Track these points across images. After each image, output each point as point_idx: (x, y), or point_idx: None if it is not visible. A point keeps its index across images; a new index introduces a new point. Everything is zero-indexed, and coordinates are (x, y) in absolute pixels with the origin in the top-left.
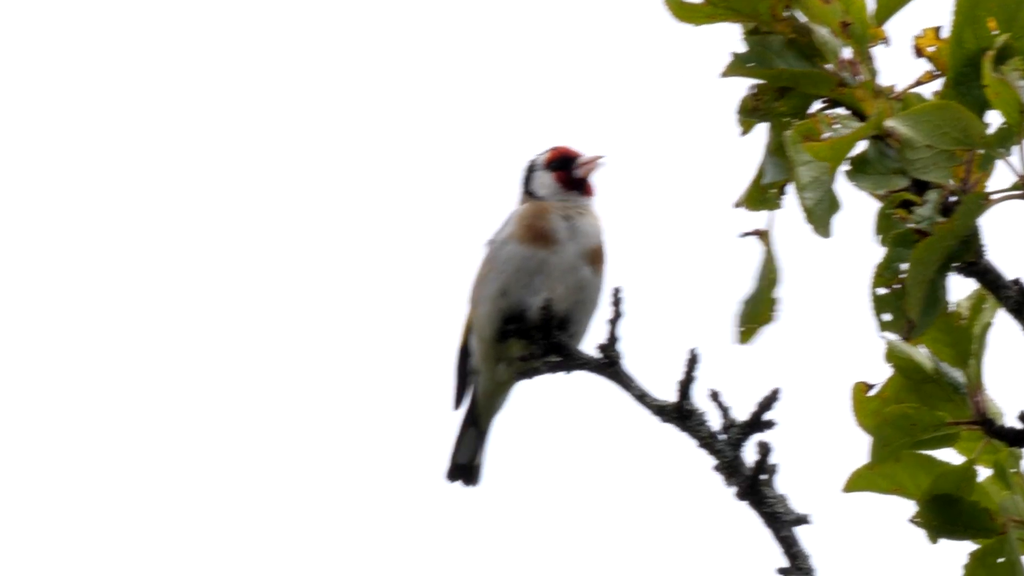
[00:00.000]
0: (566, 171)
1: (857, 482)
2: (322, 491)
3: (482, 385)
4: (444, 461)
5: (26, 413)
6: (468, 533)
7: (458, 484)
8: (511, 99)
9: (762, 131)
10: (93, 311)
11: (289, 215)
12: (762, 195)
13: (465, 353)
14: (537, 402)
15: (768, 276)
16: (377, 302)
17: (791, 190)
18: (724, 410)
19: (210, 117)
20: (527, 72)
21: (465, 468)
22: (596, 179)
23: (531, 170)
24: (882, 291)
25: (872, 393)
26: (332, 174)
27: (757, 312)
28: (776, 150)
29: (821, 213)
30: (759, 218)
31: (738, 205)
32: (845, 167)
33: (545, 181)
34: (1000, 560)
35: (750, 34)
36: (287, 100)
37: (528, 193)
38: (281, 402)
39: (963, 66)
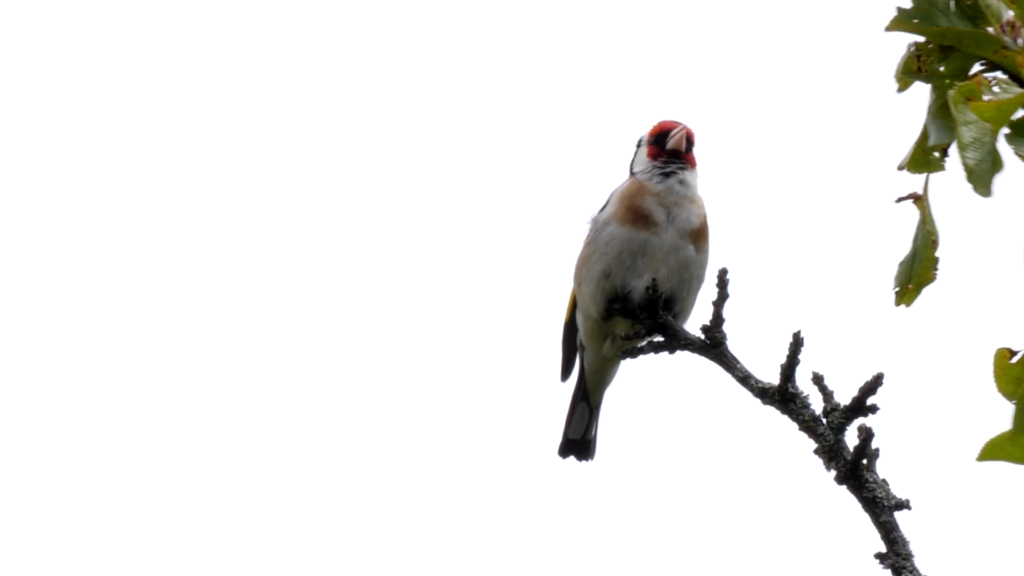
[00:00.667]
0: (660, 145)
1: (993, 451)
2: (430, 467)
3: (589, 361)
4: (557, 436)
5: (26, 413)
6: (580, 507)
7: (571, 459)
8: (633, 70)
9: (923, 94)
10: (93, 311)
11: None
12: (925, 157)
13: (571, 327)
14: (645, 379)
15: (927, 237)
16: (482, 277)
17: (953, 152)
18: (827, 394)
19: (210, 117)
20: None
21: (577, 443)
22: (694, 150)
23: (638, 146)
24: None
25: (1015, 360)
26: (420, 156)
27: (917, 273)
28: (939, 111)
29: (983, 173)
30: (917, 181)
31: (901, 167)
32: (1005, 131)
33: (641, 157)
34: None
35: None
36: (307, 99)
37: (631, 171)
38: (384, 378)
39: None
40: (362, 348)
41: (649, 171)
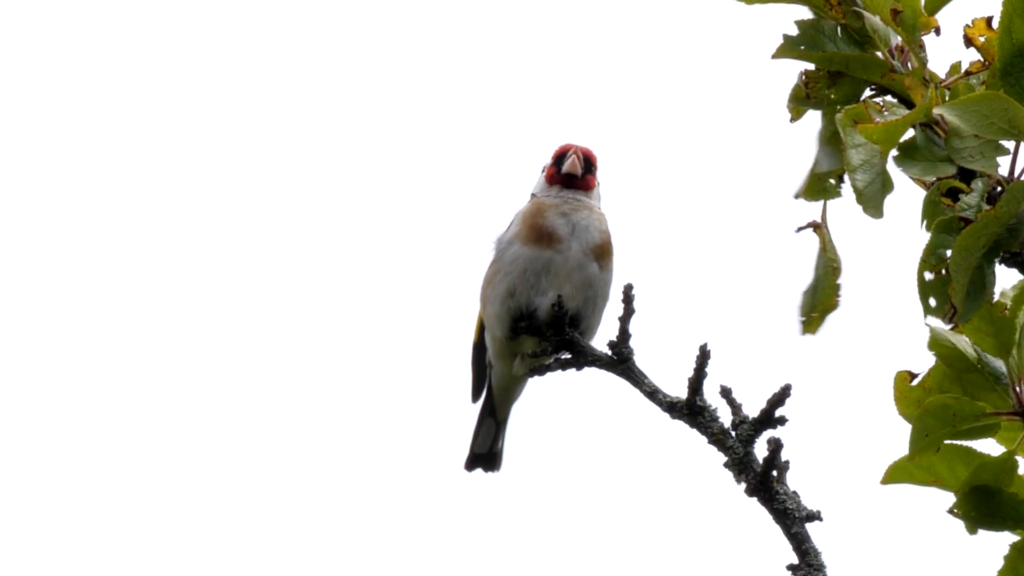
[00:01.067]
0: (557, 168)
1: (895, 474)
2: (337, 486)
3: (497, 379)
4: (463, 452)
5: (26, 413)
6: (487, 520)
7: (477, 472)
8: (539, 95)
9: (814, 121)
10: (93, 311)
11: (298, 215)
12: (820, 184)
13: (480, 348)
14: (551, 396)
15: (828, 265)
16: (389, 299)
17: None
18: (735, 406)
19: (211, 117)
20: (562, 60)
21: (483, 457)
22: (594, 170)
23: (542, 171)
24: (929, 276)
25: (915, 383)
26: (343, 173)
27: (821, 300)
28: (830, 139)
29: (872, 194)
30: (814, 209)
31: (797, 196)
32: (894, 153)
33: (540, 180)
34: None
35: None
36: (285, 100)
37: (532, 194)
38: (301, 399)
39: (1012, 57)
40: (275, 355)
41: (543, 193)
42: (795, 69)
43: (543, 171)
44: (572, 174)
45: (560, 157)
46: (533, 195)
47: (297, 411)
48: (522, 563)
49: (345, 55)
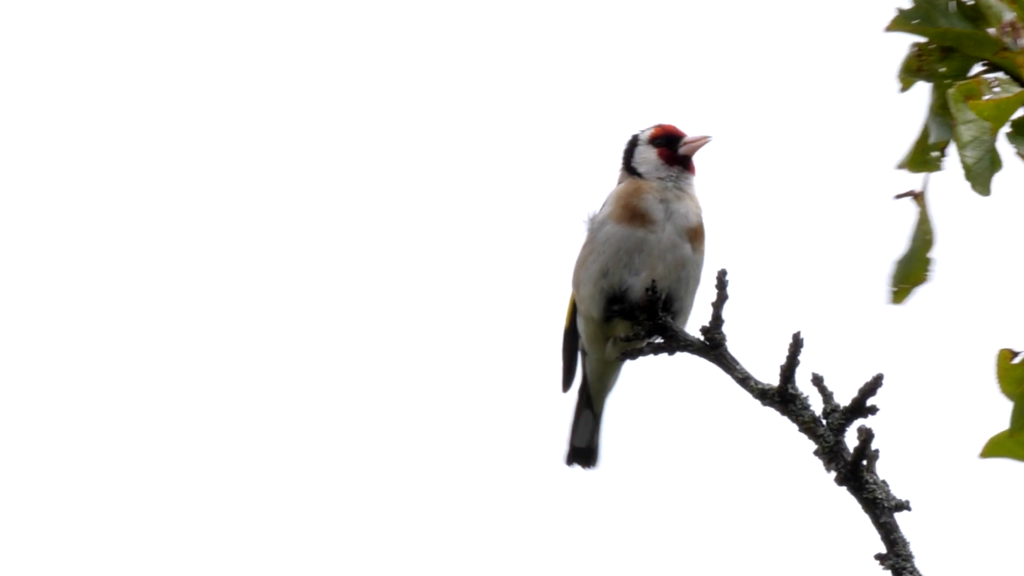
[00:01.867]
0: (670, 148)
1: (994, 448)
2: (431, 482)
3: (591, 366)
4: (561, 445)
5: (26, 413)
6: (585, 515)
7: (576, 467)
8: (622, 71)
9: (924, 94)
10: (93, 311)
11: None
12: (924, 156)
13: (571, 335)
14: (647, 383)
15: (923, 236)
16: (478, 287)
17: (952, 152)
18: (826, 395)
19: (211, 117)
20: (650, 37)
21: (582, 451)
22: (699, 158)
23: (633, 145)
24: None
25: (1017, 360)
26: (421, 160)
27: (911, 272)
28: (940, 111)
29: (981, 171)
30: (915, 180)
31: (900, 167)
32: (1006, 129)
33: (648, 157)
34: None
35: None
36: (302, 99)
37: (628, 169)
38: (394, 391)
39: None
40: (359, 355)
41: (660, 173)
42: (907, 41)
43: (634, 144)
44: (688, 157)
45: (673, 138)
46: (631, 170)
47: (388, 404)
48: (620, 555)
49: (396, 48)
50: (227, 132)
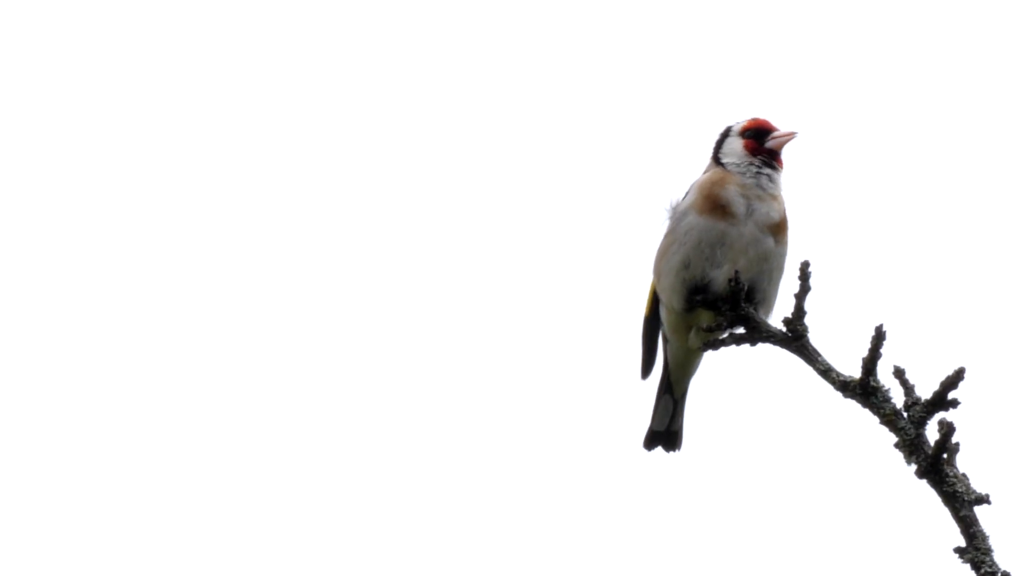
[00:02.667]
0: (758, 141)
1: None
2: (510, 464)
3: (673, 354)
4: (642, 429)
5: (26, 413)
6: (667, 497)
7: (657, 450)
8: (718, 67)
9: None
10: (92, 311)
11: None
12: None
13: (652, 323)
14: (728, 371)
15: None
16: (556, 277)
17: None
18: (908, 388)
19: (210, 117)
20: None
21: (662, 435)
22: (785, 153)
23: (725, 135)
24: None
25: None
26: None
27: None
28: None
29: None
30: None
31: None
32: None
33: (734, 147)
34: None
35: None
36: (317, 99)
37: (716, 159)
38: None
39: None
40: (433, 349)
41: (743, 164)
42: None
43: (726, 135)
44: (776, 151)
45: (761, 131)
46: (718, 160)
47: (464, 389)
48: (695, 538)
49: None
50: (227, 132)
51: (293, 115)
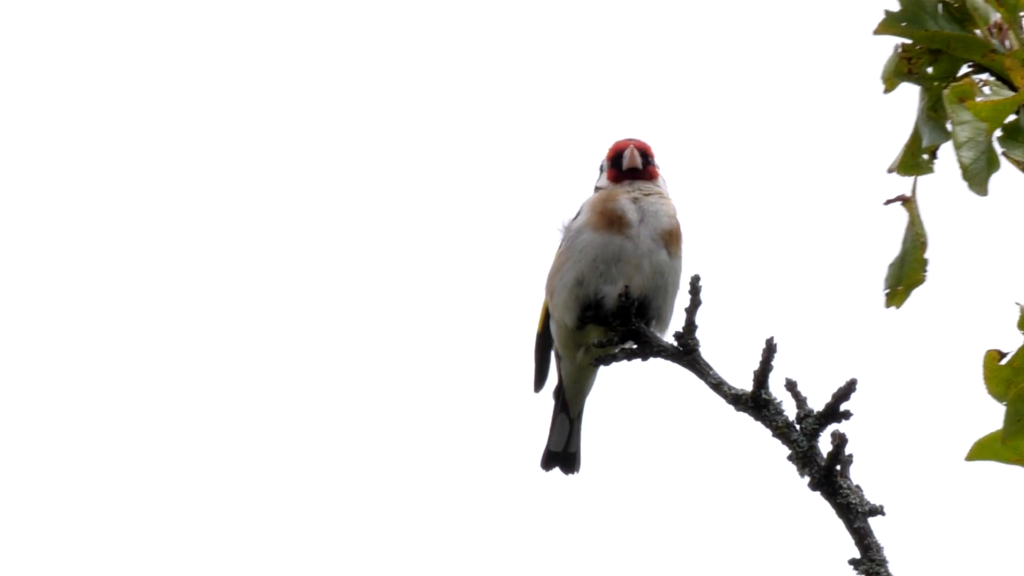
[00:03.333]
0: (616, 167)
1: (981, 451)
2: (417, 481)
3: (565, 370)
4: (539, 450)
5: (26, 413)
6: (562, 519)
7: (555, 472)
8: (595, 84)
9: (908, 97)
10: (92, 311)
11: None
12: (915, 159)
13: (544, 338)
14: (623, 388)
15: (916, 239)
16: (444, 291)
17: (942, 154)
18: (800, 400)
19: (210, 118)
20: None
21: (559, 455)
22: (653, 161)
23: (600, 170)
24: None
25: (1004, 362)
26: (397, 164)
27: (907, 274)
28: (931, 113)
29: (978, 171)
30: (904, 184)
31: (891, 170)
32: (998, 133)
33: (602, 181)
34: None
35: None
36: (298, 99)
37: (597, 189)
38: (363, 391)
39: None
40: (335, 352)
41: (612, 187)
42: (888, 44)
43: (602, 170)
44: (634, 168)
45: (617, 156)
46: (598, 189)
47: (362, 406)
48: (586, 558)
49: (381, 52)
50: (227, 132)
51: (288, 114)
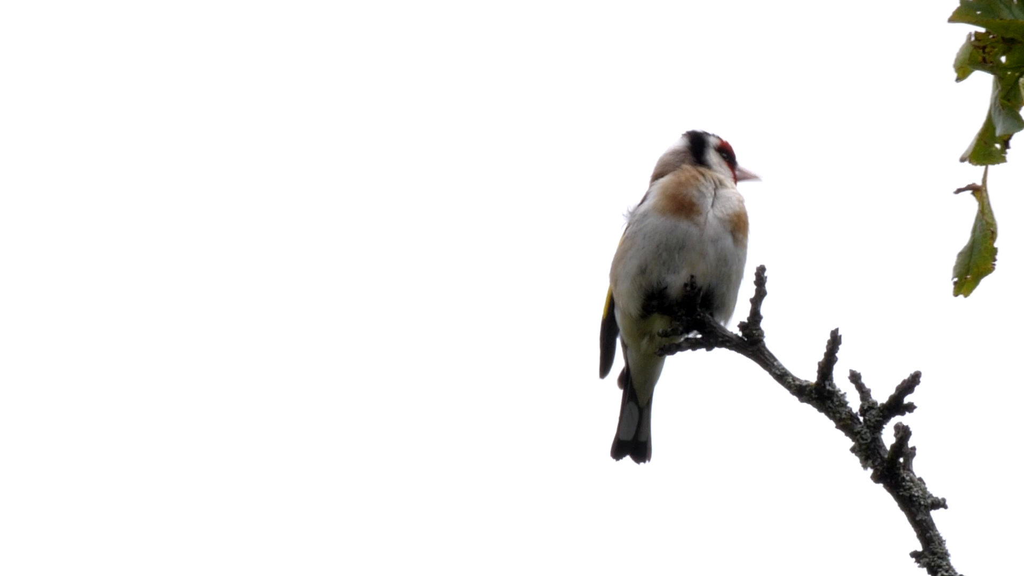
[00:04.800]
0: (731, 164)
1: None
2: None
3: (632, 359)
4: (609, 438)
5: (26, 413)
6: (629, 508)
7: (625, 460)
8: (660, 79)
9: (977, 87)
10: (92, 311)
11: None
12: (988, 148)
13: (609, 325)
14: (688, 379)
15: (986, 228)
16: (516, 280)
17: (1014, 143)
18: (863, 392)
19: (210, 118)
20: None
21: (629, 444)
22: (735, 162)
23: (700, 143)
24: None
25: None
26: (461, 157)
27: (976, 263)
28: (1004, 102)
29: None
30: (976, 172)
31: (964, 159)
32: None
33: (717, 161)
34: None
35: None
36: (313, 99)
37: (701, 162)
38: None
39: None
40: (401, 351)
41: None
42: (957, 33)
43: (714, 150)
44: (748, 179)
45: (731, 155)
46: (702, 163)
47: (433, 397)
48: (656, 545)
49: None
50: (227, 132)
51: (285, 114)
